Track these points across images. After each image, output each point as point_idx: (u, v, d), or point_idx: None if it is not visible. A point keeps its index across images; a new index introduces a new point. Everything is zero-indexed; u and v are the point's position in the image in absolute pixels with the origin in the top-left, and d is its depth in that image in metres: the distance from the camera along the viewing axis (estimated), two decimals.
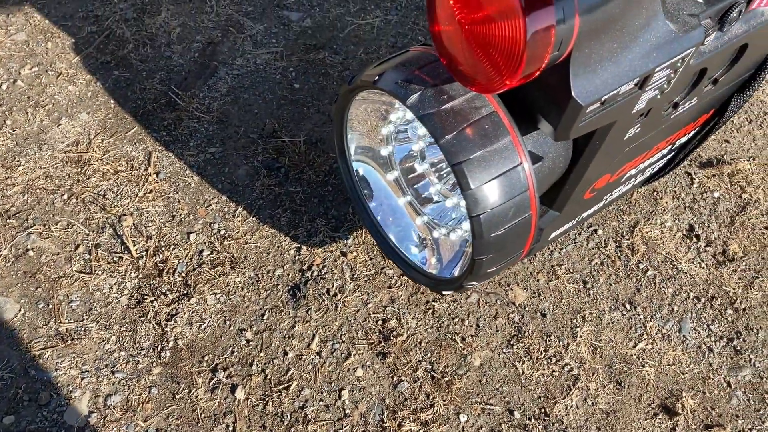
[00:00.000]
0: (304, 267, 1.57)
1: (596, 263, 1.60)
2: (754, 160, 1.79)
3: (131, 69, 1.92)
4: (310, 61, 1.96)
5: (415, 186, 1.40)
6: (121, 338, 1.47)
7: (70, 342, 1.46)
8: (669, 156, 1.61)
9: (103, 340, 1.47)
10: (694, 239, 1.65)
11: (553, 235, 1.51)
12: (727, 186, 1.74)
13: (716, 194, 1.72)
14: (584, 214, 1.54)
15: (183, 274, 1.55)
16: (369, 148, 1.40)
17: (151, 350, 1.46)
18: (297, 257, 1.58)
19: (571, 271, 1.59)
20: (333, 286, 1.54)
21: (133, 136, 1.78)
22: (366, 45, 2.01)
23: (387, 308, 1.52)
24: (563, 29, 0.90)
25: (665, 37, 1.05)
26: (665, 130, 1.37)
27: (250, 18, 2.06)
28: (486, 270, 1.18)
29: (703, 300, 1.55)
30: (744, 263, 1.61)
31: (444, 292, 1.30)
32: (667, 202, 1.70)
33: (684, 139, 1.56)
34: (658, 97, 1.17)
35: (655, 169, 1.64)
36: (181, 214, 1.65)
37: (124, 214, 1.64)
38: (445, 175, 1.40)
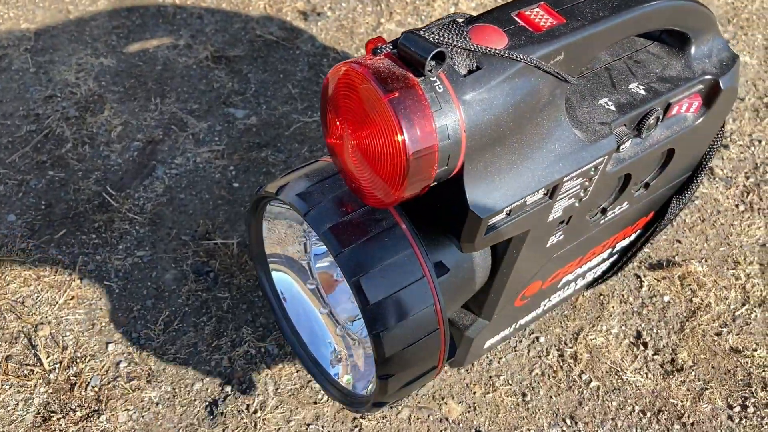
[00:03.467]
0: (225, 380, 1.47)
1: (537, 374, 1.51)
2: (706, 261, 1.72)
3: (67, 169, 1.87)
4: (252, 160, 1.92)
5: (333, 295, 1.33)
6: None
7: None
8: (611, 259, 1.54)
9: None
10: (642, 347, 1.56)
11: (487, 344, 1.43)
12: (678, 289, 1.66)
13: (666, 298, 1.64)
14: (521, 321, 1.46)
15: (96, 389, 1.45)
16: (285, 256, 1.33)
17: None
18: (218, 369, 1.49)
19: (510, 382, 1.49)
20: (254, 402, 1.44)
21: (60, 239, 1.71)
22: (311, 143, 1.98)
23: (311, 426, 1.41)
24: (448, 145, 0.85)
25: (572, 147, 1.01)
26: (598, 235, 1.32)
27: (194, 116, 2.03)
28: (394, 389, 1.09)
29: (648, 414, 1.45)
30: (693, 373, 1.52)
31: (359, 411, 1.21)
32: (614, 307, 1.62)
33: (625, 243, 1.50)
34: (576, 205, 1.12)
35: (598, 273, 1.57)
36: (101, 323, 1.56)
37: (42, 323, 1.55)
38: None
